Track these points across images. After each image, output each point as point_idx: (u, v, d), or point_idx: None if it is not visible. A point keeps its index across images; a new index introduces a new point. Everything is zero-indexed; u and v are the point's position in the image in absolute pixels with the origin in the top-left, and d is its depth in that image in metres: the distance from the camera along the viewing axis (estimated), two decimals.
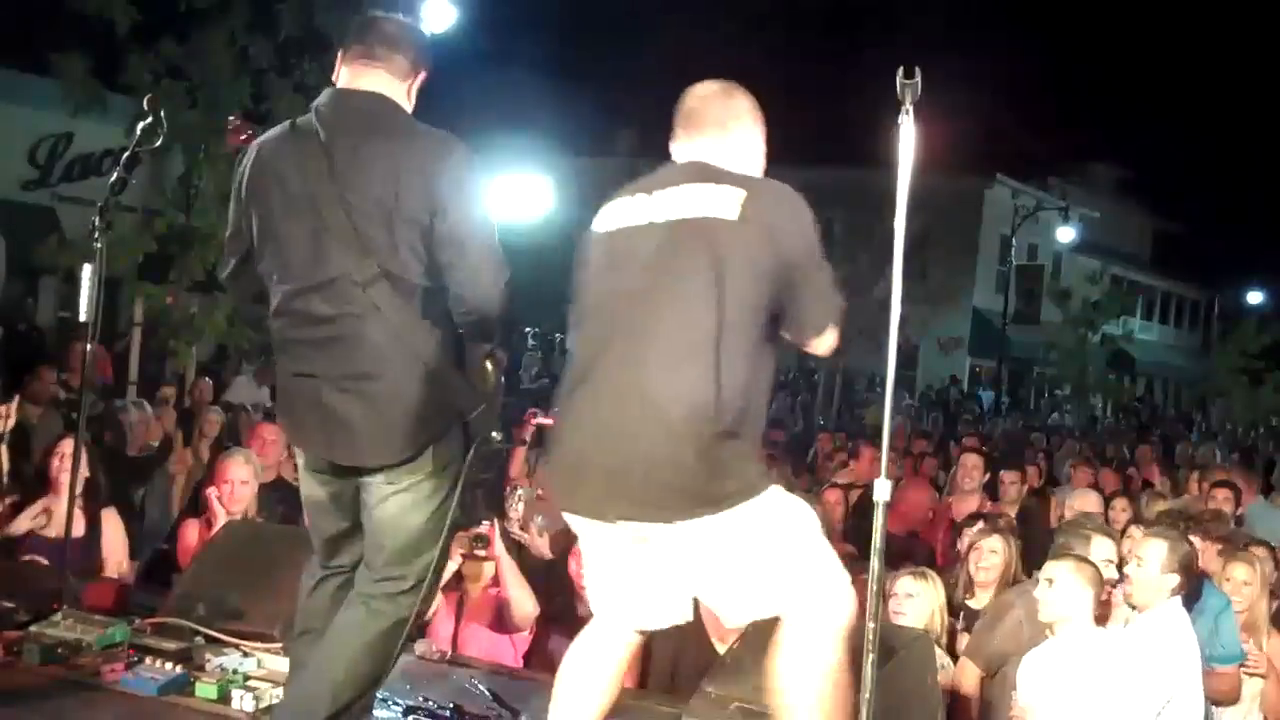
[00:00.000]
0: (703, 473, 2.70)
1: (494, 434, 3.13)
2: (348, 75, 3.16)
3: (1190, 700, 4.38)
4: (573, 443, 2.87)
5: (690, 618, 3.08)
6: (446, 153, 3.08)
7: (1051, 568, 4.43)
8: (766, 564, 2.79)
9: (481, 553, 5.00)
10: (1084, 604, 4.33)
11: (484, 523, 5.06)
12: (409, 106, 3.21)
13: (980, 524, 5.86)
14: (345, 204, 2.98)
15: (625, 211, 3.00)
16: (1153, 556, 4.53)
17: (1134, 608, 4.63)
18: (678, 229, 2.86)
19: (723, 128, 3.09)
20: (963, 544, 5.77)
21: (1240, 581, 5.20)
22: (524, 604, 4.97)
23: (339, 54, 3.21)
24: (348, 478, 3.15)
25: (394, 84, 3.16)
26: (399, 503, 3.08)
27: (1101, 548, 5.00)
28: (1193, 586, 4.65)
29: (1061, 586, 4.33)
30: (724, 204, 2.85)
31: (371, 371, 3.02)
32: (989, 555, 5.30)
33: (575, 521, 2.98)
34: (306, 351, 3.09)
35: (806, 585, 2.80)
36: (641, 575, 2.95)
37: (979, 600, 5.27)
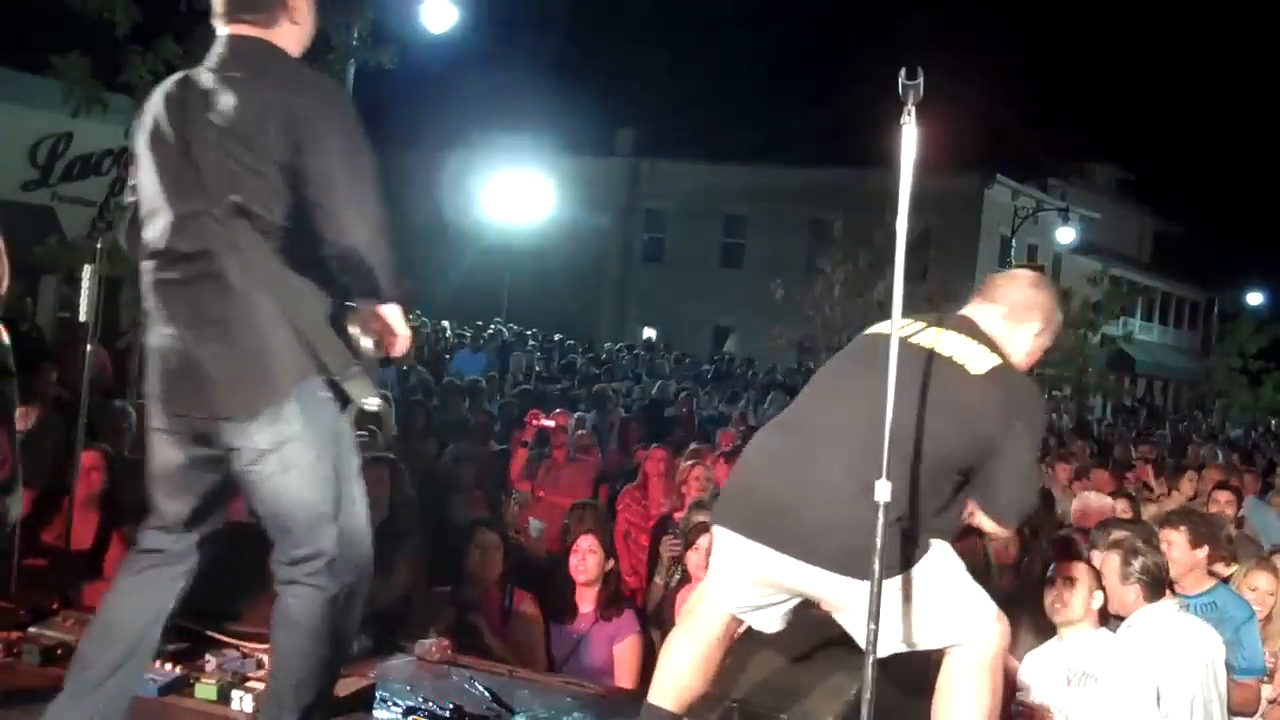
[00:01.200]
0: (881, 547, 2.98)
1: (367, 401, 2.96)
2: (224, 28, 3.08)
3: (1187, 691, 4.40)
4: (781, 487, 3.16)
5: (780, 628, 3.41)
6: (314, 90, 3.00)
7: (1069, 568, 4.46)
8: (926, 607, 3.14)
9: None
10: (1095, 605, 4.36)
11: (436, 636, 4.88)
12: (293, 45, 3.10)
13: None
14: (212, 138, 2.91)
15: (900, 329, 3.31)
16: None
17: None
18: (931, 358, 3.21)
19: (1013, 309, 3.42)
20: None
21: (1264, 591, 5.20)
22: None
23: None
24: (210, 445, 3.01)
25: (268, 33, 3.05)
26: (276, 472, 2.95)
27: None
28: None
29: (1082, 588, 4.34)
30: (977, 362, 3.21)
31: (227, 315, 2.92)
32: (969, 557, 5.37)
33: (741, 544, 3.20)
34: (169, 294, 3.00)
35: (963, 621, 3.17)
36: (780, 604, 3.32)
37: None
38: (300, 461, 2.96)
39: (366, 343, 2.97)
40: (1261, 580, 5.26)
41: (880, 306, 17.25)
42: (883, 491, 2.81)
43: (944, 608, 3.17)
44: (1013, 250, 30.38)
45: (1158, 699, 4.25)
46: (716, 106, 33.23)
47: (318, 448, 2.97)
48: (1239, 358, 31.76)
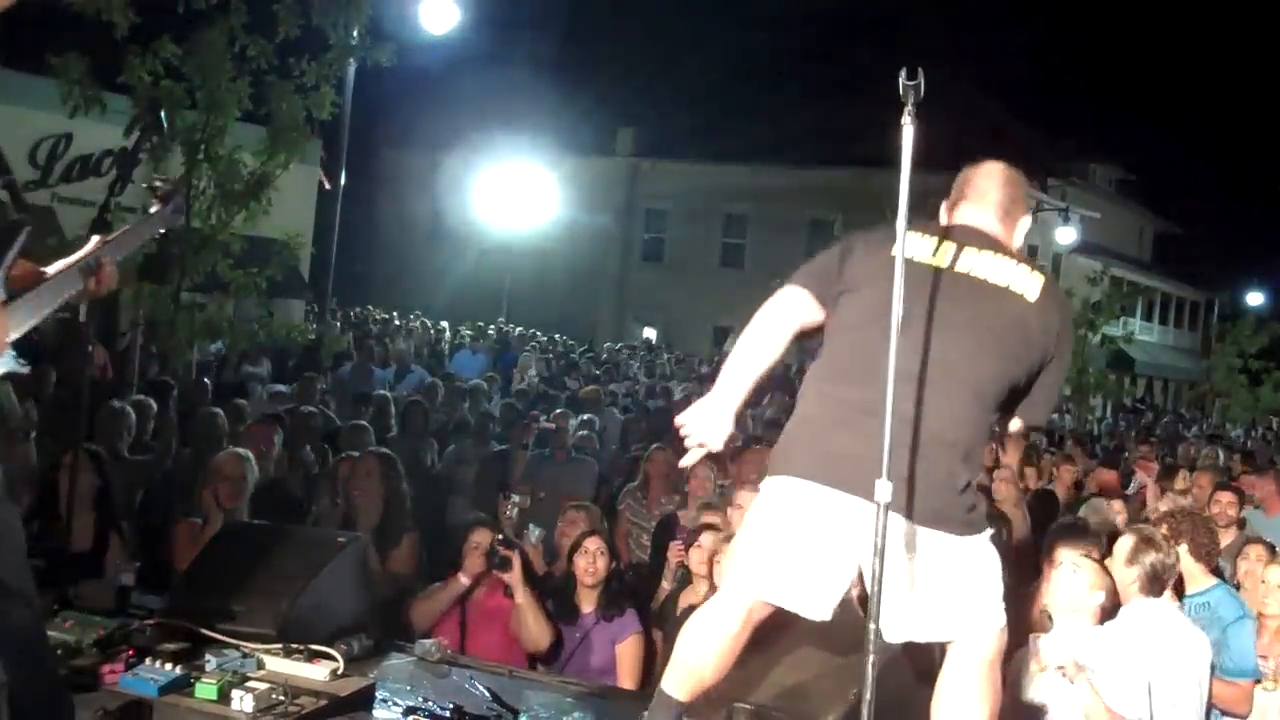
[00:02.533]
0: (971, 502, 3.14)
1: None
2: None
3: (1172, 691, 4.40)
4: (858, 438, 3.01)
5: (827, 618, 3.25)
6: None
7: (1079, 559, 4.47)
8: (977, 592, 3.16)
9: (504, 573, 4.96)
10: (1094, 601, 4.36)
11: (510, 546, 5.05)
12: None
13: None
14: None
15: (926, 249, 3.28)
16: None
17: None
18: (989, 290, 3.20)
19: (1007, 210, 3.41)
20: None
21: (1274, 585, 5.20)
22: (542, 638, 4.96)
23: None
24: None
25: None
26: None
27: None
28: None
29: (1085, 578, 4.35)
30: (1028, 284, 3.20)
31: None
32: None
33: (818, 493, 3.10)
34: None
35: (988, 616, 3.19)
36: (844, 565, 3.16)
37: None
38: None
39: None
40: (1275, 574, 5.26)
41: None
42: (883, 492, 2.80)
43: (985, 593, 3.18)
44: None
45: (1149, 693, 4.24)
46: (716, 106, 33.23)
47: None
48: (1239, 358, 31.72)
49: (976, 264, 3.24)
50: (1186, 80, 59.97)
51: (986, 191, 3.42)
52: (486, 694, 3.86)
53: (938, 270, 3.23)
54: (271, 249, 11.79)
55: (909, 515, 3.04)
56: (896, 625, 3.14)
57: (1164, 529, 5.17)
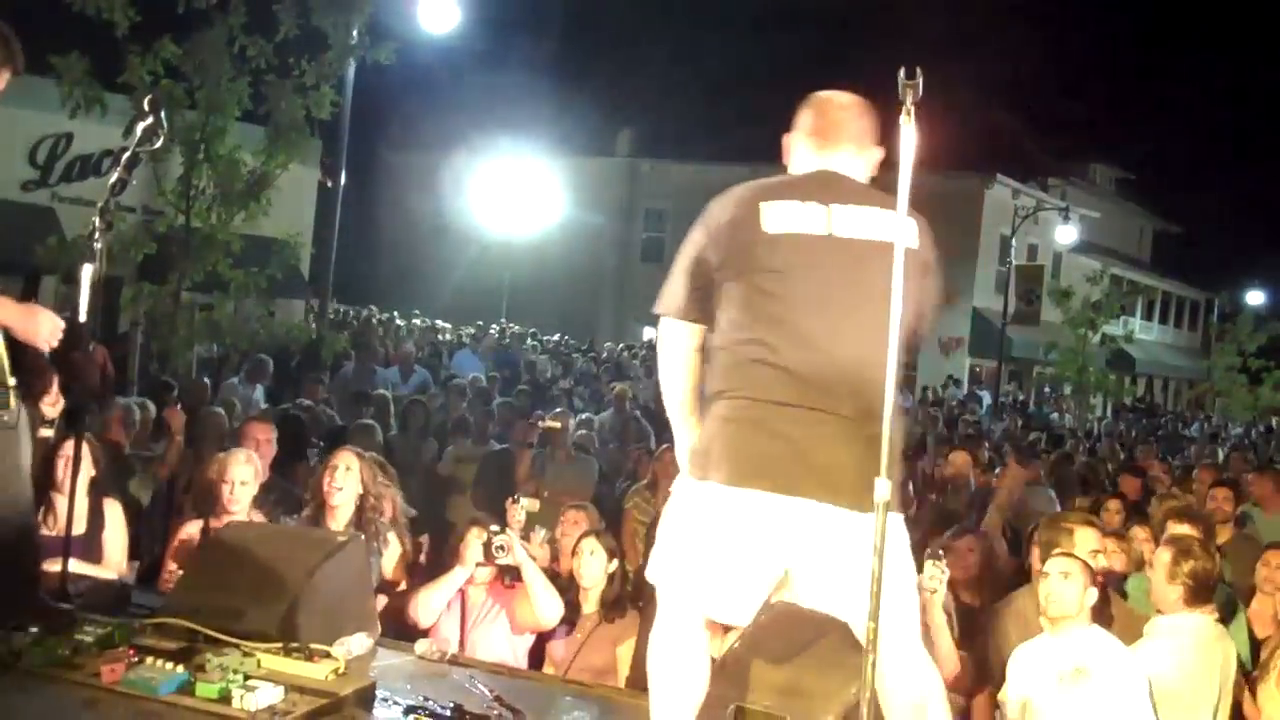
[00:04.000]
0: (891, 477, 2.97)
1: None
2: None
3: (1196, 698, 4.40)
4: (782, 432, 2.98)
5: (745, 623, 3.17)
6: None
7: (1065, 563, 4.44)
8: (907, 570, 3.11)
9: (506, 561, 5.01)
10: (1089, 602, 4.36)
11: (503, 530, 5.09)
12: None
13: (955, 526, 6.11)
14: None
15: (799, 218, 3.09)
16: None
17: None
18: (868, 249, 3.04)
19: (860, 145, 3.27)
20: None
21: None
22: (554, 607, 5.00)
23: None
24: None
25: None
26: None
27: (1086, 539, 5.01)
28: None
29: (1075, 582, 4.34)
30: (905, 230, 2.91)
31: None
32: (966, 555, 5.63)
33: (748, 499, 2.99)
34: None
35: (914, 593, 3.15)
36: (769, 569, 3.06)
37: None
38: None
39: None
40: None
41: None
42: (882, 490, 2.80)
43: (910, 569, 3.16)
44: (1013, 250, 30.39)
45: (1150, 695, 4.23)
46: (716, 106, 33.22)
47: None
48: (1238, 356, 31.77)
49: (855, 224, 3.10)
50: (1187, 79, 60.00)
51: (842, 128, 3.28)
52: (487, 694, 3.86)
53: (823, 238, 3.08)
54: (271, 249, 11.81)
55: (859, 505, 2.92)
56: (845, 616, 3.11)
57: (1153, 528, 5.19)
